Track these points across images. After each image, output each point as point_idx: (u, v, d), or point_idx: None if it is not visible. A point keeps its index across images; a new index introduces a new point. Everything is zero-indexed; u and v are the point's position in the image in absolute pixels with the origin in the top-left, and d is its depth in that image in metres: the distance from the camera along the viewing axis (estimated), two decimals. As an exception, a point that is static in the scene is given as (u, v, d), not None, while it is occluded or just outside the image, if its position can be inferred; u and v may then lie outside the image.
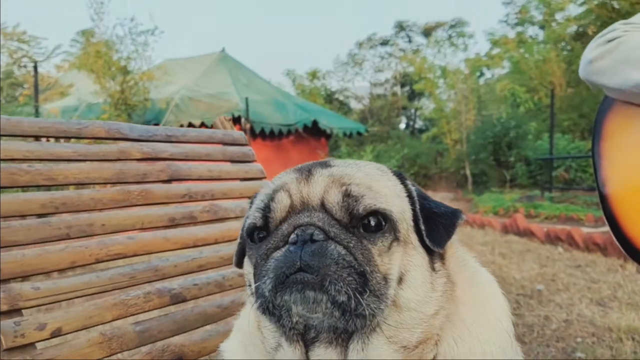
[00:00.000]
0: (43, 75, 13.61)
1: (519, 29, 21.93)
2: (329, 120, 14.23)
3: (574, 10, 18.96)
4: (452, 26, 25.35)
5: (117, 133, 1.33)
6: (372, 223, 0.79)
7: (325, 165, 0.86)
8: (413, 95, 26.10)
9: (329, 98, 26.49)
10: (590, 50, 1.49)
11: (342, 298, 0.73)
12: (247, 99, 11.51)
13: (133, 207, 1.25)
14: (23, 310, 1.00)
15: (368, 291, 0.74)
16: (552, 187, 12.12)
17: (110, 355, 1.04)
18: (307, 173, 0.83)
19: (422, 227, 0.85)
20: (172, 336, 1.18)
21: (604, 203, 1.50)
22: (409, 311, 0.81)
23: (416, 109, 26.36)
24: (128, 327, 1.13)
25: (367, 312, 0.74)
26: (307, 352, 0.82)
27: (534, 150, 14.65)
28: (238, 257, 0.93)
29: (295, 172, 0.85)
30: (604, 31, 1.50)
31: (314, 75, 26.45)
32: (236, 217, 1.42)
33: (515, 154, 14.96)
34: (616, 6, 15.95)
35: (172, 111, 11.57)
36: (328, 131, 13.90)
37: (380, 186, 0.84)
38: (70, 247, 1.10)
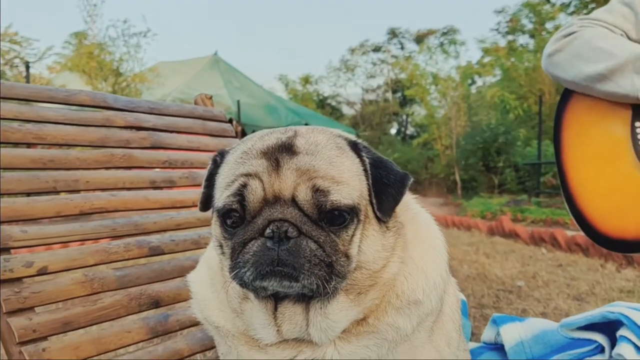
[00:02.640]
0: (35, 77, 13.63)
1: (510, 37, 22.19)
2: (321, 125, 14.33)
3: (564, 19, 19.23)
4: (444, 33, 25.62)
5: (103, 102, 1.43)
6: (338, 216, 0.89)
7: (291, 151, 0.91)
8: (404, 102, 26.30)
9: (321, 103, 26.66)
10: (550, 45, 1.58)
11: (313, 287, 0.84)
12: (238, 102, 11.61)
13: (116, 168, 1.35)
14: (12, 250, 1.09)
15: (334, 278, 0.86)
16: (540, 192, 12.28)
17: (91, 294, 1.13)
18: (275, 162, 0.89)
19: (374, 201, 0.94)
20: (150, 283, 1.28)
21: (564, 187, 1.60)
22: (361, 270, 0.93)
23: (407, 115, 26.55)
24: (109, 271, 1.23)
25: (331, 291, 0.87)
26: (275, 304, 0.93)
27: (523, 156, 14.84)
28: (203, 204, 1.01)
29: (262, 156, 0.91)
30: (563, 26, 1.59)
31: (306, 80, 26.63)
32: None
33: (504, 160, 15.14)
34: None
35: (164, 113, 11.64)
36: (320, 135, 14.01)
37: (342, 171, 0.92)
38: (56, 199, 1.20)
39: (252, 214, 0.88)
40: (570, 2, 18.66)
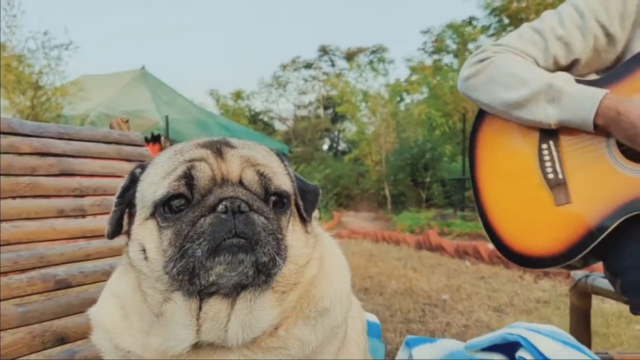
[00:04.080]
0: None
1: (436, 56, 23.04)
2: (253, 141, 14.24)
3: (484, 40, 20.22)
4: (373, 52, 26.28)
5: (7, 127, 1.35)
6: (279, 201, 0.96)
7: (229, 145, 0.97)
8: (336, 118, 26.69)
9: (253, 119, 26.56)
10: (465, 68, 1.65)
11: (265, 259, 0.86)
12: (167, 117, 11.34)
13: (21, 198, 1.27)
14: None
15: (281, 254, 0.90)
16: (465, 206, 12.77)
17: (-11, 333, 1.06)
18: (217, 151, 0.94)
19: (300, 203, 1.02)
20: (55, 319, 1.21)
21: (478, 204, 1.66)
22: (289, 264, 0.97)
23: (339, 131, 26.93)
24: (10, 307, 1.15)
25: (276, 271, 0.90)
26: (200, 303, 0.92)
27: (449, 171, 15.39)
28: (114, 226, 0.98)
29: (202, 147, 0.95)
30: (477, 51, 1.67)
31: (238, 95, 26.48)
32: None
33: (431, 175, 15.64)
34: (522, 39, 17.16)
35: (88, 128, 11.19)
36: (251, 151, 13.89)
37: (276, 167, 0.99)
38: (-50, 232, 1.11)
39: (202, 194, 0.89)
40: (490, 25, 19.65)
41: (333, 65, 28.23)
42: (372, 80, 28.92)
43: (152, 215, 0.91)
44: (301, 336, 0.98)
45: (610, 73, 1.47)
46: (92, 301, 1.27)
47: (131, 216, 0.98)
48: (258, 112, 27.54)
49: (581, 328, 1.89)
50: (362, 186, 20.34)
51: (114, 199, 0.98)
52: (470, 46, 20.76)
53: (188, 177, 0.89)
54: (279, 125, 28.25)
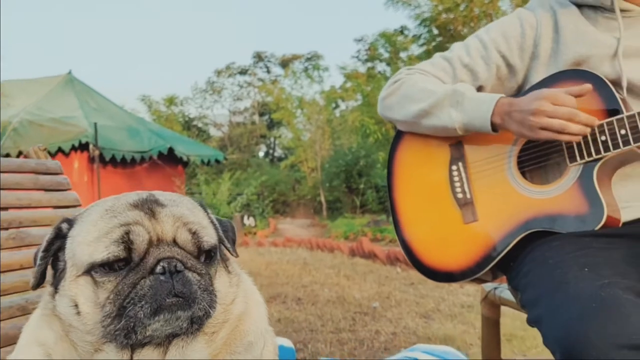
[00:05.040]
0: None
1: (369, 64, 23.47)
2: (186, 148, 13.97)
3: (416, 50, 20.83)
4: (308, 59, 26.46)
5: None
6: (208, 254, 1.01)
7: (159, 203, 1.01)
8: (272, 124, 26.66)
9: (187, 125, 26.07)
10: (382, 91, 1.75)
11: (200, 313, 0.93)
12: (95, 124, 10.96)
13: None
14: None
15: (213, 306, 0.97)
16: (397, 212, 13.08)
17: None
18: (150, 211, 0.98)
19: (228, 245, 1.09)
20: (-34, 357, 1.17)
21: (394, 219, 1.75)
22: (217, 306, 1.01)
23: (275, 138, 26.94)
24: None
25: (208, 320, 0.96)
26: (132, 354, 0.95)
27: (382, 178, 15.73)
28: (38, 279, 0.99)
29: (134, 208, 0.98)
30: (394, 75, 1.78)
31: (171, 101, 25.92)
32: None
33: (365, 182, 15.94)
34: (451, 49, 17.84)
35: (10, 136, 10.61)
36: (185, 159, 13.62)
37: (202, 220, 1.04)
38: None
39: (140, 256, 0.93)
40: (420, 35, 20.28)
41: (268, 71, 28.22)
42: (308, 87, 29.16)
43: (87, 272, 0.94)
44: None
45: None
46: (7, 337, 1.25)
47: (56, 270, 0.99)
48: (192, 118, 27.07)
49: (491, 337, 2.02)
50: (298, 193, 20.43)
51: (38, 252, 0.98)
52: (402, 55, 21.32)
53: (126, 242, 0.93)
54: (213, 132, 27.89)
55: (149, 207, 0.99)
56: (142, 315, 0.89)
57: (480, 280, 1.67)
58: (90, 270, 0.93)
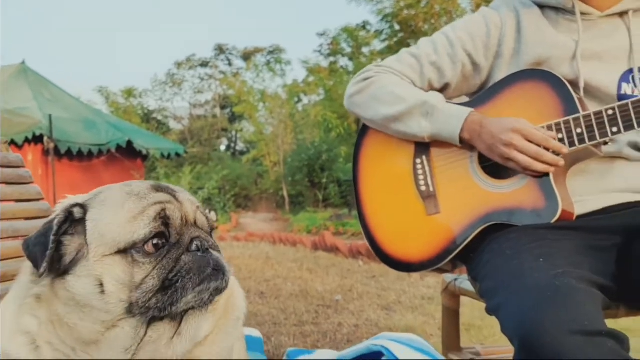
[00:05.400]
0: None
1: (332, 59, 23.53)
2: (146, 141, 13.71)
3: (378, 45, 21.00)
4: (270, 52, 26.31)
5: None
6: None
7: (171, 188, 1.10)
8: (234, 118, 26.42)
9: (147, 117, 25.56)
10: (351, 86, 1.77)
11: (224, 285, 1.03)
12: (50, 116, 10.64)
13: None
14: None
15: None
16: (359, 206, 13.21)
17: None
18: (172, 195, 1.06)
19: None
20: None
21: (359, 211, 1.78)
22: None
23: (237, 131, 26.70)
24: None
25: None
26: (147, 328, 1.01)
27: (345, 172, 15.84)
28: (50, 262, 0.98)
29: (158, 191, 1.06)
30: (361, 71, 1.79)
31: (129, 93, 25.34)
32: (8, 237, 1.42)
33: (327, 176, 16.02)
34: (412, 44, 18.10)
35: (-41, 127, 10.22)
36: (144, 152, 13.37)
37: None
38: None
39: (177, 233, 1.02)
40: (383, 30, 20.47)
41: (230, 64, 27.92)
42: (270, 81, 28.92)
43: (122, 252, 0.98)
44: (221, 343, 1.10)
45: (477, 97, 1.65)
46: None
47: (62, 254, 1.00)
48: (152, 110, 26.54)
49: (452, 326, 2.08)
50: (260, 187, 20.36)
51: (43, 237, 0.99)
52: (365, 50, 21.47)
53: (164, 218, 1.01)
54: (173, 125, 27.43)
55: (169, 191, 1.07)
56: (190, 286, 0.98)
57: (441, 271, 1.72)
58: (131, 248, 0.98)
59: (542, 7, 1.60)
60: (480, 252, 1.46)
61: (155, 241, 1.00)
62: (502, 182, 1.50)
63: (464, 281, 1.96)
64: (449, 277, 2.09)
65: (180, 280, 0.98)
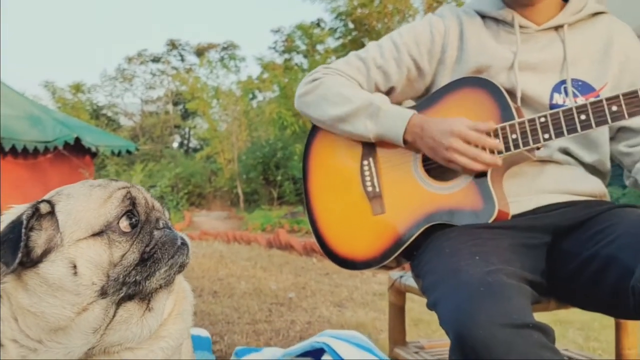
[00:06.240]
0: None
1: (286, 56, 23.53)
2: (95, 138, 13.29)
3: (332, 43, 21.12)
4: (224, 48, 26.08)
5: None
6: None
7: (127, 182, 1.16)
8: (187, 114, 26.05)
9: (96, 114, 24.88)
10: (300, 87, 1.81)
11: (188, 260, 1.10)
12: (-7, 112, 10.23)
13: None
14: None
15: None
16: (313, 204, 13.28)
17: None
18: (129, 184, 1.13)
19: None
20: None
21: (308, 211, 1.82)
22: None
23: (190, 128, 26.33)
24: None
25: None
26: (117, 309, 1.05)
27: (299, 170, 15.80)
28: (21, 255, 0.99)
29: (116, 182, 1.13)
30: (311, 72, 1.83)
31: (77, 88, 24.58)
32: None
33: (282, 174, 16.04)
34: (365, 43, 18.33)
35: None
36: (93, 149, 12.98)
37: None
38: None
39: (145, 212, 1.09)
40: (337, 28, 20.61)
41: (183, 60, 27.49)
42: (224, 77, 28.76)
43: (98, 234, 1.03)
44: (180, 324, 1.15)
45: (421, 102, 1.72)
46: None
47: (29, 247, 1.02)
48: (101, 106, 25.84)
49: (398, 321, 2.15)
50: (214, 184, 20.19)
51: (14, 232, 1.01)
52: (319, 47, 21.56)
53: (131, 199, 1.08)
54: (124, 121, 26.80)
55: (126, 184, 1.13)
56: (165, 257, 1.05)
57: (387, 268, 1.78)
58: (106, 230, 1.04)
59: (484, 17, 1.68)
60: (423, 251, 1.52)
61: (130, 220, 1.06)
62: (443, 184, 1.58)
63: (409, 278, 2.04)
64: (395, 274, 2.16)
65: (157, 252, 1.06)
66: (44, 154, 11.70)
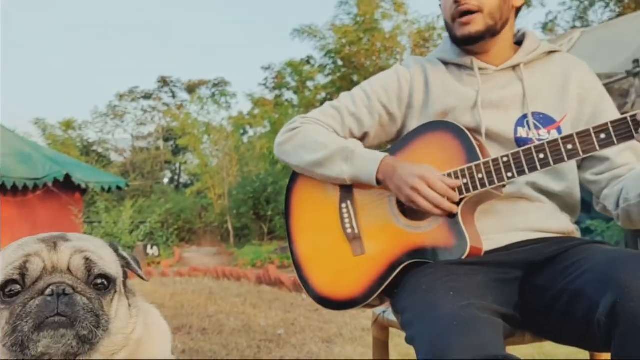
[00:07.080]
0: None
1: (277, 92, 23.83)
2: (85, 174, 13.30)
3: (322, 79, 21.45)
4: (215, 85, 26.40)
5: None
6: (102, 283, 1.13)
7: (65, 239, 1.14)
8: (177, 150, 26.15)
9: (86, 150, 24.94)
10: (279, 137, 1.90)
11: (85, 332, 1.04)
12: (-17, 150, 10.24)
13: None
14: None
15: (101, 327, 1.08)
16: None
17: None
18: (53, 244, 1.11)
19: (127, 282, 1.24)
20: None
21: (291, 252, 1.88)
22: (118, 334, 1.15)
23: (181, 164, 26.39)
24: None
25: (96, 341, 1.07)
26: None
27: (289, 205, 15.90)
28: None
29: (39, 242, 1.11)
30: (289, 122, 1.93)
31: (68, 125, 24.70)
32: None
33: (273, 208, 16.06)
34: (355, 79, 18.65)
35: None
36: (83, 186, 12.97)
37: (105, 254, 1.18)
38: None
39: (33, 281, 1.05)
40: (326, 65, 20.98)
41: (174, 96, 27.78)
42: (215, 113, 28.98)
43: None
44: None
45: (392, 146, 1.82)
46: None
47: None
48: (91, 142, 25.94)
49: (381, 356, 2.18)
50: (205, 220, 20.13)
51: None
52: (309, 84, 21.89)
53: (22, 268, 1.07)
54: (115, 157, 26.86)
55: (54, 241, 1.13)
56: (26, 330, 1.01)
57: (371, 306, 1.83)
58: None
59: (446, 64, 1.81)
60: (402, 288, 1.58)
61: (8, 288, 1.06)
62: (418, 224, 1.64)
63: (391, 313, 2.08)
64: (378, 310, 2.20)
65: (19, 323, 1.02)
66: (34, 191, 11.67)
